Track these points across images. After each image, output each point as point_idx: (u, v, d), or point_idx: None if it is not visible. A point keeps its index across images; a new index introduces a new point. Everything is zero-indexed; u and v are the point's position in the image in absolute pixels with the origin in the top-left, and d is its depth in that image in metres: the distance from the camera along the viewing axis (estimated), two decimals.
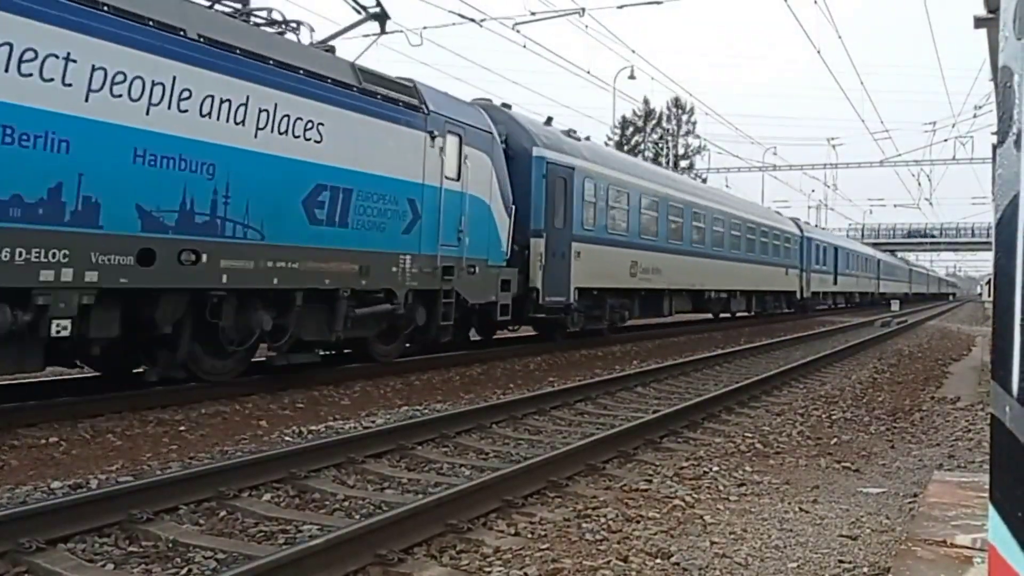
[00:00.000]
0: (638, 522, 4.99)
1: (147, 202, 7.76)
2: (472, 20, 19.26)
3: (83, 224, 7.23)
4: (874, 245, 66.31)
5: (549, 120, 16.77)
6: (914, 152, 66.19)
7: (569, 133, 16.92)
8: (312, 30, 10.57)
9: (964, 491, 5.18)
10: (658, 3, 19.71)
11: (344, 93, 10.05)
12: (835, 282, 41.48)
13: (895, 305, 45.41)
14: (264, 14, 10.09)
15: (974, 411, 9.77)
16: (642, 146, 61.19)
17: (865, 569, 4.36)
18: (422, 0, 17.88)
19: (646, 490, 5.75)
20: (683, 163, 62.65)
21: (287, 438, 7.41)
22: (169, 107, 7.95)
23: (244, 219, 8.71)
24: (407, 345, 12.33)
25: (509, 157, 14.17)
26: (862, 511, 5.51)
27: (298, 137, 9.36)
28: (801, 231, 35.20)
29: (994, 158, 2.11)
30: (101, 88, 7.37)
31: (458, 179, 12.19)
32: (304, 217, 9.48)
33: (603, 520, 4.98)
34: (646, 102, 61.53)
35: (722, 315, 27.00)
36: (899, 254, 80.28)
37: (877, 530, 5.07)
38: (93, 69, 7.29)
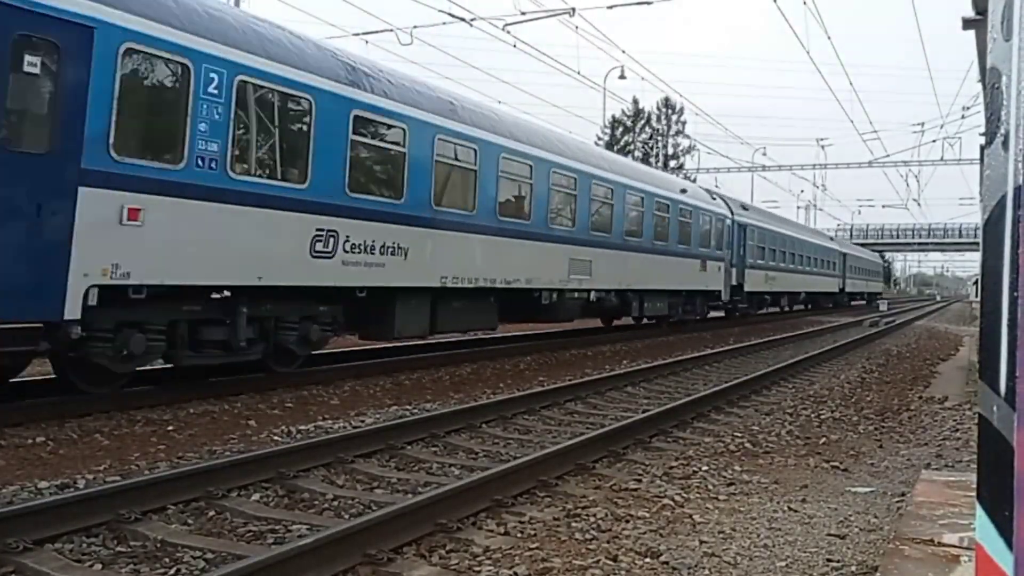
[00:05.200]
0: (628, 521, 5.00)
1: None
2: (462, 20, 19.25)
3: None
4: (863, 246, 66.74)
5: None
6: (903, 153, 66.61)
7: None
8: None
9: (952, 490, 5.21)
10: (648, 3, 19.75)
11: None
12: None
13: (883, 305, 46.41)
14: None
15: (962, 411, 9.82)
16: (631, 146, 61.24)
17: (853, 568, 4.38)
18: None
19: (636, 489, 5.76)
20: (672, 163, 62.75)
21: (276, 438, 7.38)
22: None
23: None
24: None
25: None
26: (850, 510, 5.54)
27: None
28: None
29: (982, 159, 2.12)
30: None
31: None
32: None
33: (593, 519, 4.98)
34: (635, 102, 61.64)
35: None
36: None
37: (865, 529, 5.10)
38: None
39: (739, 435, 7.97)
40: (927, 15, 21.07)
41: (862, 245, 67.82)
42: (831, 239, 48.79)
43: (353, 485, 5.94)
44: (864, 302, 56.80)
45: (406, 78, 11.99)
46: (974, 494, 2.03)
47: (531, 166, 14.14)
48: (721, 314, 27.81)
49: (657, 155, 62.24)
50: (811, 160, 66.65)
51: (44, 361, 11.38)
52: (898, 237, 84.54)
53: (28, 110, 7.09)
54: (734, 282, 26.19)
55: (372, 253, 10.40)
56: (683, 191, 22.24)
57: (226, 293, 9.01)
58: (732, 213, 26.47)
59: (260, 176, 8.87)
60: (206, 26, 8.32)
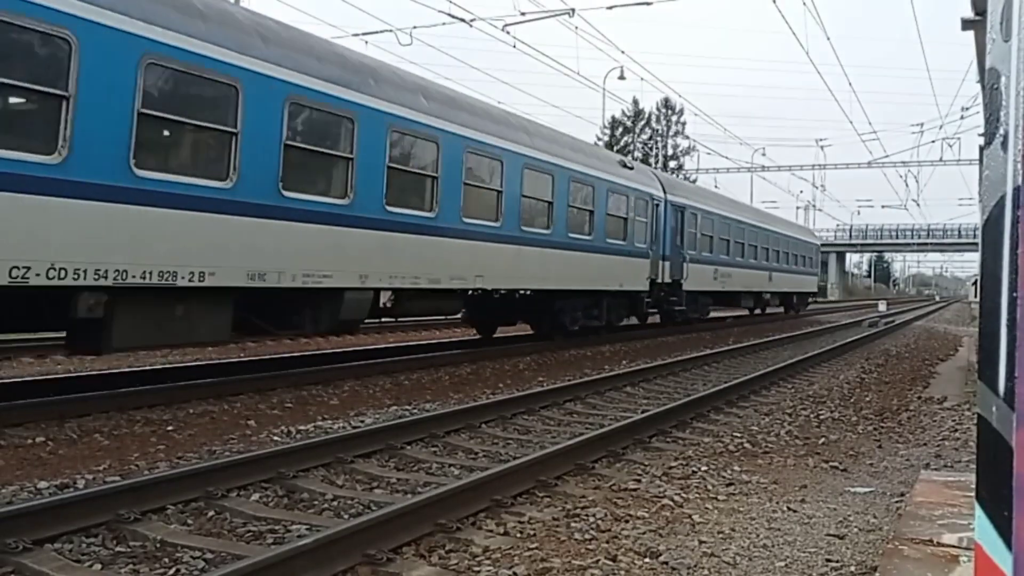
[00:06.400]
0: (627, 521, 5.00)
1: None
2: (462, 20, 19.26)
3: None
4: (863, 246, 66.74)
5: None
6: (902, 153, 66.74)
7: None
8: None
9: (951, 490, 5.21)
10: (648, 4, 19.76)
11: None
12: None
13: (882, 306, 46.47)
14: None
15: (961, 411, 9.83)
16: (631, 147, 61.27)
17: (852, 568, 4.38)
18: (412, 0, 17.88)
19: (635, 490, 5.76)
20: (672, 164, 62.82)
21: (276, 438, 7.38)
22: None
23: None
24: None
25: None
26: (850, 510, 5.54)
27: None
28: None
29: (981, 159, 2.12)
30: None
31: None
32: None
33: (592, 519, 4.98)
34: (635, 103, 61.74)
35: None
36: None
37: (864, 529, 5.10)
38: None
39: (738, 435, 7.97)
40: (927, 16, 21.10)
41: (862, 245, 67.71)
42: (626, 165, 20.00)
43: (353, 485, 5.94)
44: (783, 309, 35.82)
45: None
46: (973, 494, 2.04)
47: None
48: None
49: (657, 156, 62.27)
50: (810, 161, 66.76)
51: (43, 361, 11.43)
52: (897, 237, 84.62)
53: None
54: None
55: None
56: None
57: None
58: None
59: None
60: None
